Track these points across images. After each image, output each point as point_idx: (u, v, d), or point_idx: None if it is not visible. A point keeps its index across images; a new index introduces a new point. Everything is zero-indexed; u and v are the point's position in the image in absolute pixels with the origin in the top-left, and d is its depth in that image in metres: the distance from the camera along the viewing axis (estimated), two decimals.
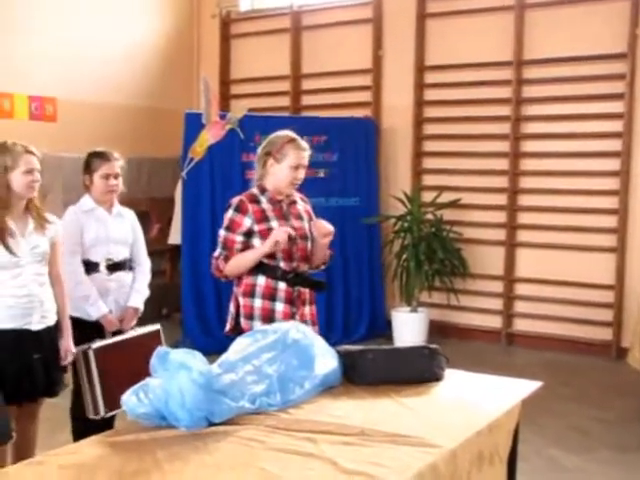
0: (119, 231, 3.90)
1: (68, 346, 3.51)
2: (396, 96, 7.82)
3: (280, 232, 3.35)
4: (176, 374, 2.40)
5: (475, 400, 2.79)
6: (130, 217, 4.02)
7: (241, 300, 3.49)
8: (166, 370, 2.44)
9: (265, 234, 3.41)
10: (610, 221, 6.87)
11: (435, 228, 7.19)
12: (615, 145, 6.80)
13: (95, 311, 3.74)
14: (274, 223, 3.44)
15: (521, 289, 7.40)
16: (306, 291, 3.52)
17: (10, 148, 3.29)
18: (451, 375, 3.06)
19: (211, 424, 2.42)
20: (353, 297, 7.46)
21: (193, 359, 2.44)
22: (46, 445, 3.48)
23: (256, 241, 3.43)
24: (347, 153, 7.52)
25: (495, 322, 7.44)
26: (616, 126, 6.79)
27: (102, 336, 3.75)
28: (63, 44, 7.45)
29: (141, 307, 3.96)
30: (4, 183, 3.25)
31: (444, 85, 7.58)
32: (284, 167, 3.49)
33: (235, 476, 2.11)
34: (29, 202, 3.37)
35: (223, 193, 7.04)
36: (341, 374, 2.90)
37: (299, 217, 3.57)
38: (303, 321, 3.47)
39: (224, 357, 2.65)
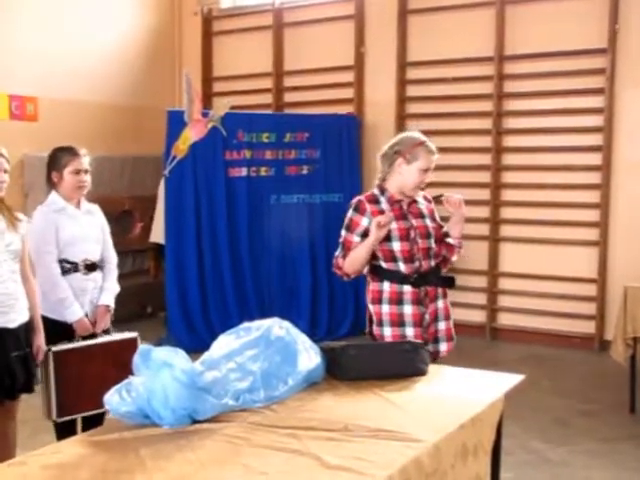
0: (93, 229, 3.81)
1: (41, 344, 3.49)
2: (379, 92, 7.84)
3: (378, 217, 3.31)
4: (159, 372, 2.39)
5: (458, 394, 2.80)
6: (99, 213, 3.92)
7: (371, 307, 3.47)
8: (149, 368, 2.43)
9: (385, 235, 3.35)
10: (592, 215, 6.92)
11: None
12: (596, 139, 6.85)
13: (70, 315, 3.65)
14: (392, 224, 3.37)
15: (505, 284, 7.44)
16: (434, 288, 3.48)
17: None
18: (434, 370, 3.07)
19: (195, 422, 2.41)
20: (338, 294, 7.47)
21: (176, 357, 2.43)
22: (28, 446, 3.44)
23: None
24: (330, 150, 7.53)
25: (479, 317, 7.48)
26: (597, 121, 6.84)
27: (72, 338, 3.66)
28: (44, 43, 7.40)
29: (112, 304, 3.86)
30: None
31: (426, 81, 7.60)
32: (413, 169, 3.41)
33: (219, 473, 2.10)
34: None
35: (206, 191, 7.04)
36: (324, 370, 2.90)
37: (420, 216, 3.49)
38: (435, 317, 3.47)
39: (207, 355, 2.64)
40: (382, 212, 3.39)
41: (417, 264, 3.41)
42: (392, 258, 3.40)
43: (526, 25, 7.07)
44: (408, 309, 3.40)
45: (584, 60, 6.84)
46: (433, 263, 3.48)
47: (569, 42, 6.84)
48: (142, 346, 2.52)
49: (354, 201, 3.48)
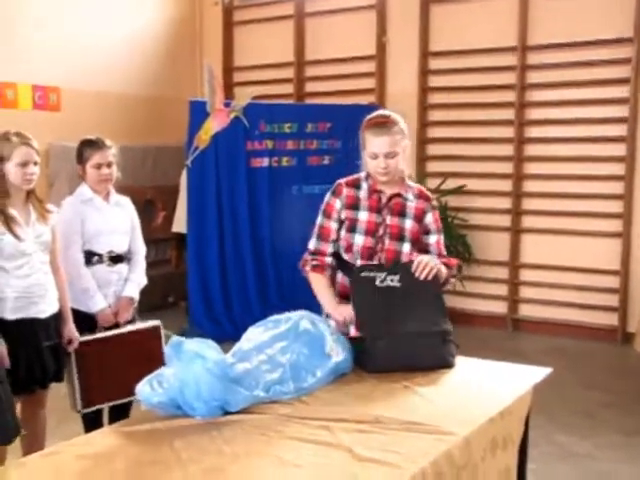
0: (120, 221, 3.82)
1: (72, 333, 3.52)
2: (400, 82, 7.81)
3: (347, 313, 3.02)
4: (191, 364, 2.40)
5: (487, 387, 2.80)
6: (129, 206, 3.93)
7: None
8: (180, 360, 2.44)
9: (350, 224, 3.08)
10: (615, 206, 6.87)
11: (440, 215, 7.17)
12: (620, 130, 6.79)
13: (93, 305, 3.68)
14: (363, 214, 3.07)
15: (526, 275, 7.41)
16: None
17: (8, 138, 3.27)
18: (461, 362, 3.06)
19: (226, 413, 2.43)
20: None
21: (208, 349, 2.45)
22: (56, 435, 3.50)
23: (342, 232, 3.11)
24: (352, 140, 7.47)
25: (501, 308, 7.46)
26: (621, 111, 6.78)
27: (94, 329, 3.69)
28: (66, 33, 7.44)
29: (136, 296, 3.86)
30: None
31: (448, 71, 7.56)
32: (366, 156, 3.08)
33: (252, 464, 2.12)
34: (29, 193, 3.37)
35: (228, 181, 7.06)
36: (352, 362, 2.90)
37: (400, 214, 3.10)
38: None
39: (237, 346, 2.66)
40: (357, 198, 3.10)
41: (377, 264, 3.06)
42: (351, 250, 3.10)
43: (549, 14, 7.01)
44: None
45: (609, 50, 6.76)
46: None
47: (593, 31, 6.77)
48: (174, 338, 2.54)
49: (335, 184, 3.19)
